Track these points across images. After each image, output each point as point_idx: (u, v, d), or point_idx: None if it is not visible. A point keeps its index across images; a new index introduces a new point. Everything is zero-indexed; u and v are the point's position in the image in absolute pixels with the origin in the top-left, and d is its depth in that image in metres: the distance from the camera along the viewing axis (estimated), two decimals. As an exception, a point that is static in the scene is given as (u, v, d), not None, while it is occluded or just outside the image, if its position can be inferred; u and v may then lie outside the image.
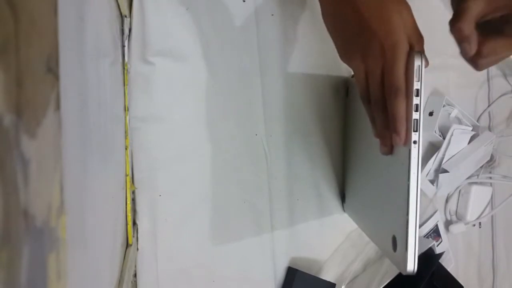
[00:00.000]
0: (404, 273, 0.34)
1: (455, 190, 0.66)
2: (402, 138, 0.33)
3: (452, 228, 0.65)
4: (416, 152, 0.33)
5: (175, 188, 0.45)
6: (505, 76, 0.72)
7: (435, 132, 0.59)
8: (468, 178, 0.65)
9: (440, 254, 0.58)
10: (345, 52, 0.38)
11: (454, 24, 0.35)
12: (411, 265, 0.33)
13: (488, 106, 0.70)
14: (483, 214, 0.69)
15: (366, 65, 0.35)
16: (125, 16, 0.43)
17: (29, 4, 0.15)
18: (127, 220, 0.42)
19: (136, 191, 0.44)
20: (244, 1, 0.48)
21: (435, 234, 0.63)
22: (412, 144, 0.33)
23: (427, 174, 0.61)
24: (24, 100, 0.15)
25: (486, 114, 0.69)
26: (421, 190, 0.60)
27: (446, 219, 0.67)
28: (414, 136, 0.33)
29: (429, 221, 0.62)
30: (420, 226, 0.62)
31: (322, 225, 0.53)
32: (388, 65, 0.33)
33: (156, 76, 0.44)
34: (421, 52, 0.32)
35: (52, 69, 0.18)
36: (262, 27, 0.49)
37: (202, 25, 0.46)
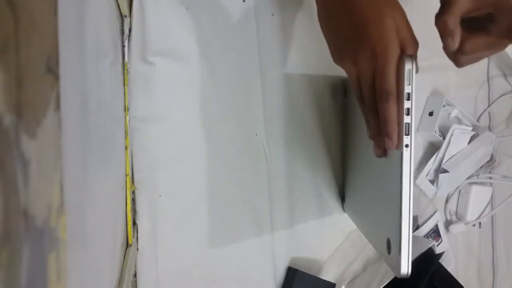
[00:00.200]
0: (398, 276, 0.34)
1: (455, 190, 0.66)
2: (394, 142, 0.33)
3: (452, 228, 0.65)
4: (408, 156, 0.33)
5: (175, 188, 0.45)
6: (505, 76, 0.72)
7: (435, 132, 0.59)
8: (468, 178, 0.65)
9: (440, 254, 0.58)
10: (338, 54, 0.37)
11: (440, 17, 0.35)
12: (405, 268, 0.33)
13: (488, 106, 0.70)
14: (483, 214, 0.69)
15: (357, 68, 0.35)
16: (125, 16, 0.43)
17: (29, 4, 0.15)
18: (127, 220, 0.42)
19: (136, 191, 0.44)
20: (244, 1, 0.48)
21: (435, 234, 0.63)
22: (404, 148, 0.33)
23: (427, 174, 0.61)
24: (24, 100, 0.15)
25: (486, 114, 0.69)
26: (421, 190, 0.61)
27: (446, 219, 0.67)
28: (406, 140, 0.33)
29: (429, 221, 0.62)
30: (420, 226, 0.62)
31: (322, 225, 0.53)
32: (379, 69, 0.33)
33: (156, 76, 0.44)
34: (412, 56, 0.32)
35: (52, 69, 0.18)
36: (262, 27, 0.49)
37: (202, 25, 0.46)
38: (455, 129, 0.60)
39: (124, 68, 0.43)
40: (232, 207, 0.48)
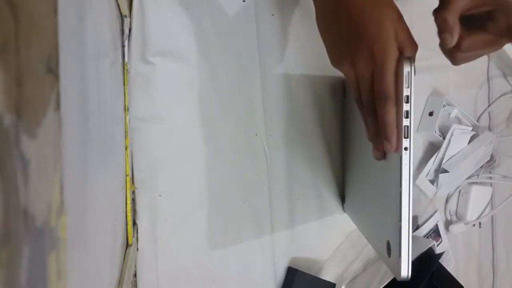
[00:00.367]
0: (398, 279, 0.34)
1: (455, 190, 0.66)
2: (393, 145, 0.33)
3: (452, 228, 0.65)
4: (407, 159, 0.33)
5: (175, 188, 0.45)
6: (505, 76, 0.72)
7: (435, 132, 0.59)
8: (468, 178, 0.65)
9: (440, 254, 0.58)
10: (336, 57, 0.37)
11: (439, 13, 0.35)
12: (405, 271, 0.33)
13: (488, 106, 0.70)
14: (483, 214, 0.69)
15: (356, 70, 0.35)
16: (125, 16, 0.43)
17: (29, 4, 0.15)
18: (127, 220, 0.42)
19: (136, 191, 0.44)
20: (244, 1, 0.48)
21: (435, 234, 0.63)
22: (403, 151, 0.33)
23: (427, 174, 0.61)
24: (24, 100, 0.15)
25: (486, 114, 0.69)
26: (421, 190, 0.61)
27: (446, 219, 0.67)
28: (405, 143, 0.33)
29: (429, 221, 0.62)
30: (420, 226, 0.62)
31: (322, 225, 0.53)
32: (377, 71, 0.33)
33: (156, 76, 0.44)
34: (411, 58, 0.32)
35: (52, 69, 0.18)
36: (262, 27, 0.49)
37: (202, 25, 0.46)
38: (455, 129, 0.60)
39: (124, 68, 0.43)
40: (232, 207, 0.48)
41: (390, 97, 0.32)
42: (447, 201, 0.67)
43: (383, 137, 0.33)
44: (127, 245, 0.42)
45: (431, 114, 0.60)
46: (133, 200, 0.44)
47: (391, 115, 0.33)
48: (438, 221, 0.63)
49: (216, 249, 0.47)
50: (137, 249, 0.44)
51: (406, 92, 0.32)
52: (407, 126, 0.33)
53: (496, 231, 0.71)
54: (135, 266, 0.44)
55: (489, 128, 0.70)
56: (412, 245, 0.33)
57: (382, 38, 0.32)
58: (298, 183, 0.52)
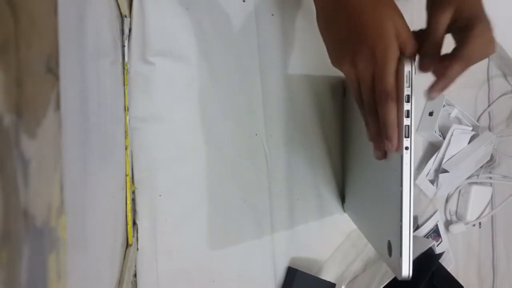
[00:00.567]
0: (399, 278, 0.34)
1: (455, 190, 0.66)
2: (394, 145, 0.33)
3: (452, 228, 0.65)
4: (408, 159, 0.33)
5: (175, 188, 0.45)
6: (505, 76, 0.72)
7: (435, 132, 0.59)
8: (468, 178, 0.65)
9: (440, 254, 0.58)
10: (337, 56, 0.37)
11: (428, 42, 0.35)
12: (406, 271, 0.33)
13: (488, 106, 0.70)
14: (483, 214, 0.69)
15: (356, 70, 0.35)
16: (125, 16, 0.43)
17: (29, 4, 0.15)
18: (127, 220, 0.42)
19: (136, 191, 0.44)
20: (244, 1, 0.48)
21: (435, 234, 0.63)
22: (404, 150, 0.33)
23: (427, 174, 0.61)
24: (24, 100, 0.15)
25: (486, 114, 0.69)
26: (421, 190, 0.61)
27: (446, 219, 0.67)
28: (406, 142, 0.33)
29: (429, 221, 0.62)
30: (420, 226, 0.62)
31: (322, 225, 0.53)
32: (378, 70, 0.33)
33: (156, 76, 0.44)
34: (412, 58, 0.32)
35: (52, 69, 0.18)
36: (262, 27, 0.49)
37: (202, 25, 0.46)
38: (455, 129, 0.60)
39: (124, 68, 0.43)
40: (232, 207, 0.48)
41: (391, 96, 0.32)
42: (447, 201, 0.67)
43: (384, 136, 0.33)
44: (127, 245, 0.42)
45: (431, 114, 0.60)
46: (133, 200, 0.44)
47: (392, 115, 0.33)
48: (438, 221, 0.63)
49: (216, 249, 0.47)
50: (137, 249, 0.44)
51: (407, 91, 0.32)
52: (408, 125, 0.33)
53: (496, 231, 0.71)
54: (135, 266, 0.44)
55: (489, 128, 0.70)
56: (413, 245, 0.33)
57: (383, 37, 0.32)
58: (298, 183, 0.52)
